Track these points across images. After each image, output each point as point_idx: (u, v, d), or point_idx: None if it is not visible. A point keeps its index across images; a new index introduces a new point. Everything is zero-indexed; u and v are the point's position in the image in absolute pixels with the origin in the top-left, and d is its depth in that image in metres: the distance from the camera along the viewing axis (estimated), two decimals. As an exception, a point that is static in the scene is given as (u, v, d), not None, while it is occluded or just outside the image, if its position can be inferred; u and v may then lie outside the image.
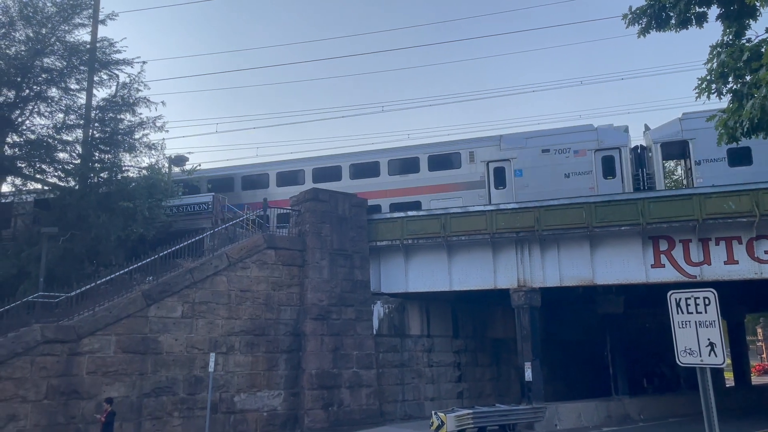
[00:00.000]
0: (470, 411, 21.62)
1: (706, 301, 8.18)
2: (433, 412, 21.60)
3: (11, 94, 24.96)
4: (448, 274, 25.62)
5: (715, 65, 12.04)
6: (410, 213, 26.23)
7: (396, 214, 26.41)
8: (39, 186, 26.08)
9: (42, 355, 17.87)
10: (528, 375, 23.73)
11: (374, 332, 25.01)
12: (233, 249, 22.65)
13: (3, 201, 26.07)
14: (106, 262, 22.50)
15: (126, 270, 20.80)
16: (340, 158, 30.47)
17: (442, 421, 20.70)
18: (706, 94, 12.25)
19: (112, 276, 20.48)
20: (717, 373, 31.81)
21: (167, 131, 41.09)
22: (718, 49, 12.18)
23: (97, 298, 19.73)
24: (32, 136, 25.59)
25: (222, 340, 21.33)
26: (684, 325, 8.36)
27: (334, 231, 24.76)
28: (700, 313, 8.21)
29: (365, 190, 28.28)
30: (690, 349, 8.25)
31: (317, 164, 30.62)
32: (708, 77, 12.20)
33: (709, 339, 8.07)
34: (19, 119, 25.53)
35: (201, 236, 23.12)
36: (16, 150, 25.44)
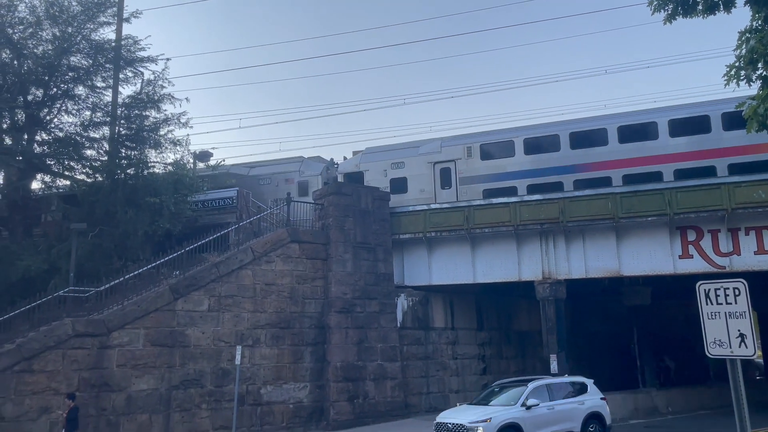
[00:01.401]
0: (495, 403, 21.56)
1: (736, 292, 8.04)
2: (458, 403, 21.63)
3: (39, 93, 25.41)
4: (472, 267, 25.53)
5: (744, 51, 11.79)
6: (433, 206, 26.19)
7: (418, 207, 26.39)
8: (67, 183, 26.54)
9: (73, 349, 18.24)
10: (554, 367, 23.58)
11: (398, 325, 25.06)
12: (258, 243, 22.85)
13: (33, 198, 26.56)
14: (133, 257, 22.84)
15: (153, 265, 21.12)
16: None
17: (467, 414, 20.66)
18: (735, 81, 12.02)
19: (139, 271, 20.81)
20: (747, 364, 31.31)
21: (191, 127, 41.56)
22: (747, 34, 11.92)
23: (125, 293, 20.09)
24: (60, 134, 26.02)
25: (248, 333, 21.56)
26: (713, 316, 8.24)
27: (357, 224, 24.82)
28: (730, 303, 8.07)
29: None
30: (720, 340, 8.12)
31: (624, 120, 25.61)
32: (737, 64, 11.95)
33: (739, 330, 7.94)
34: (48, 117, 25.98)
35: (226, 231, 23.35)
36: (45, 147, 25.89)
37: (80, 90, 26.28)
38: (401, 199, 28.02)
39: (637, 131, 25.23)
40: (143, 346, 19.48)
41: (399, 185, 28.34)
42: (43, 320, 18.79)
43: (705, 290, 8.36)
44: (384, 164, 29.35)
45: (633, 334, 29.30)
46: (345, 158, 33.07)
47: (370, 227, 25.20)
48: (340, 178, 30.02)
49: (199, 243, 22.00)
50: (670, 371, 34.95)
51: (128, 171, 25.20)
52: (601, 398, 17.94)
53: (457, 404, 19.98)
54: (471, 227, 24.93)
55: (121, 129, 26.03)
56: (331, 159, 33.09)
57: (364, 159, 30.29)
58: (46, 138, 26.10)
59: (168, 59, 26.56)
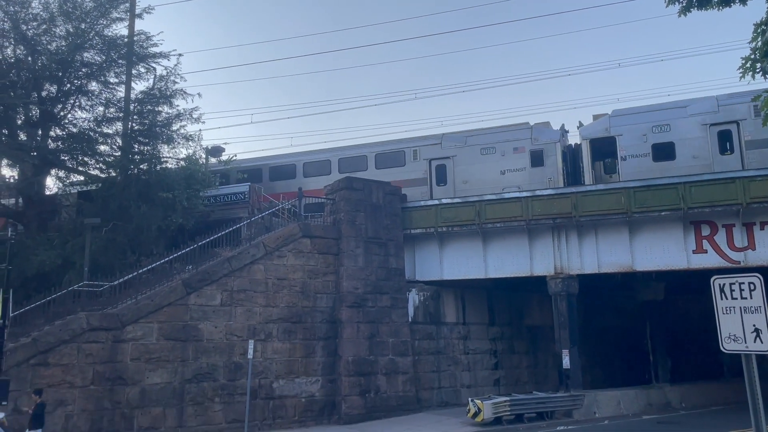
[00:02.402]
0: (507, 398, 21.60)
1: (752, 287, 7.97)
2: (469, 399, 21.64)
3: (53, 89, 25.59)
4: (484, 262, 25.49)
5: (759, 43, 11.66)
6: (444, 200, 26.16)
7: (430, 202, 26.35)
8: (81, 178, 26.73)
9: (88, 342, 18.43)
10: (566, 362, 23.54)
11: (409, 320, 25.09)
12: (270, 238, 22.93)
13: (48, 193, 26.79)
14: (147, 251, 22.99)
15: (166, 259, 21.28)
16: None
17: (479, 408, 20.73)
18: (751, 73, 11.89)
19: (153, 265, 20.97)
20: (763, 359, 30.97)
21: (203, 122, 41.57)
22: (763, 26, 11.77)
23: (139, 287, 20.24)
24: (74, 130, 26.19)
25: (260, 328, 21.67)
26: (728, 311, 8.17)
27: (368, 219, 24.84)
28: (745, 298, 8.01)
29: None
30: (734, 335, 8.06)
31: None
32: (752, 56, 11.82)
33: (754, 325, 7.88)
34: (62, 113, 26.17)
35: (238, 225, 23.45)
36: (59, 143, 26.07)
37: (93, 86, 26.47)
38: (667, 167, 24.65)
39: None
40: (156, 340, 19.63)
41: (664, 151, 24.85)
42: (58, 314, 18.98)
43: (720, 285, 8.29)
44: (643, 127, 25.43)
45: (646, 330, 29.14)
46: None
47: (382, 222, 25.21)
48: (584, 145, 26.54)
49: (212, 238, 22.13)
50: (666, 368, 34.62)
51: (141, 166, 25.37)
52: None
53: None
54: (482, 222, 24.87)
55: (133, 124, 26.19)
56: (562, 125, 29.05)
57: (615, 122, 26.16)
58: (60, 134, 26.29)
59: (180, 55, 26.68)
